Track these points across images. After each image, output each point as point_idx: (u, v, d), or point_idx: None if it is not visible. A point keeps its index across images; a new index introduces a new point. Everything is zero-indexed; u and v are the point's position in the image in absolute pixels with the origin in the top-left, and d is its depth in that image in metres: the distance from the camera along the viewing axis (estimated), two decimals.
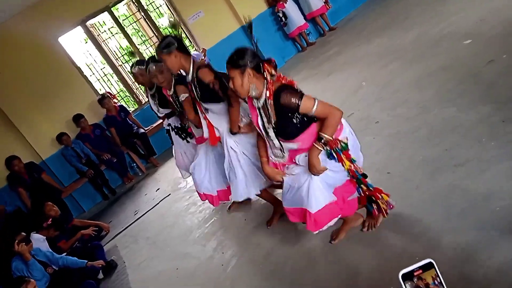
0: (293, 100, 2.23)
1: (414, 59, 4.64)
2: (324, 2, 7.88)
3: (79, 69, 7.03)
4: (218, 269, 3.15)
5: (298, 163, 2.44)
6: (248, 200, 3.52)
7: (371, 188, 2.43)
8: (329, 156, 2.32)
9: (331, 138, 2.25)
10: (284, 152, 2.45)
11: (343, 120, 2.39)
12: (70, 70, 6.88)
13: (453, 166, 2.66)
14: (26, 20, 6.44)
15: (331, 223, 2.44)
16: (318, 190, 2.35)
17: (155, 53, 3.06)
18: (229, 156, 3.04)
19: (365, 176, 2.41)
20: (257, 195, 3.19)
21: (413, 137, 3.24)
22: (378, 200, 2.43)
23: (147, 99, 7.57)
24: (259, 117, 2.42)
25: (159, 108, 3.82)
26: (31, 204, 6.09)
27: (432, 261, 1.04)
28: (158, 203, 5.18)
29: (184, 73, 2.97)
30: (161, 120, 4.08)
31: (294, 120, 2.29)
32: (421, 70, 4.27)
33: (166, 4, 7.66)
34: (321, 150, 2.28)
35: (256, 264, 2.97)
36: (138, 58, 3.78)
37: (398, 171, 2.95)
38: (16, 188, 6.19)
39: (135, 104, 7.85)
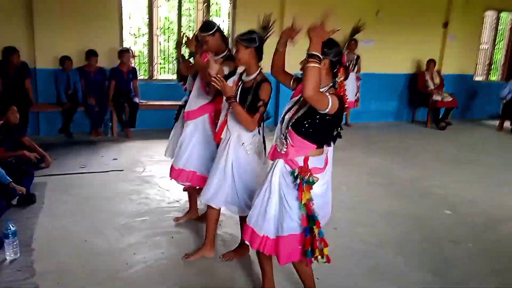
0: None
1: (399, 194, 4.82)
2: (355, 100, 8.17)
3: (120, 14, 7.05)
4: (121, 265, 3.07)
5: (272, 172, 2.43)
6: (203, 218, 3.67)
7: (320, 235, 2.34)
8: (295, 177, 2.30)
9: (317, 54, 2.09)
10: (283, 140, 2.39)
11: (329, 166, 2.39)
12: (112, 9, 6.89)
13: None
14: None
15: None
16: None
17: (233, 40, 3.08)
18: (224, 161, 3.00)
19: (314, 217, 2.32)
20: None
21: (356, 261, 3.29)
22: (316, 249, 2.34)
23: (159, 76, 7.63)
24: (296, 100, 2.42)
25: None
26: None
27: None
28: (107, 171, 5.09)
29: (241, 71, 3.01)
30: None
31: (310, 123, 2.26)
32: (399, 208, 4.43)
33: (228, 13, 7.83)
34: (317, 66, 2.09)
35: (160, 278, 2.93)
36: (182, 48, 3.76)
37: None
38: None
39: (145, 74, 7.84)
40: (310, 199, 2.29)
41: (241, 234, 3.01)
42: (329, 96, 2.16)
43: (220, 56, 3.30)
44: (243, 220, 3.11)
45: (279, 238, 2.42)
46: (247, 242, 2.58)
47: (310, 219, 2.32)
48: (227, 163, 2.96)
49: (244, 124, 2.83)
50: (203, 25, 3.45)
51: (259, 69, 2.91)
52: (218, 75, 2.79)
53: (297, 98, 2.45)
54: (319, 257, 2.35)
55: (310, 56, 2.07)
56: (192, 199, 3.92)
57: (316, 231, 2.31)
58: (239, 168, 2.96)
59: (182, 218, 3.91)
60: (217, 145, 3.16)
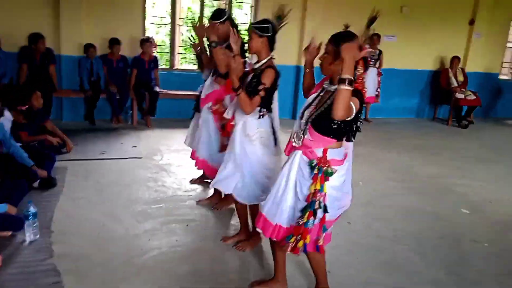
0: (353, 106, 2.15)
1: (417, 191, 4.77)
2: (376, 95, 8.08)
3: (144, 3, 7.10)
4: (136, 250, 3.13)
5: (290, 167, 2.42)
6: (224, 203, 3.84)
7: (324, 230, 2.34)
8: (312, 168, 2.29)
9: (350, 78, 2.05)
10: (301, 135, 2.39)
11: (349, 159, 2.38)
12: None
13: None
14: None
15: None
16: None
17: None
18: (233, 149, 3.01)
19: (325, 210, 2.31)
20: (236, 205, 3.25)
21: (369, 256, 3.29)
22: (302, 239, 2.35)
23: (180, 66, 7.68)
24: (315, 96, 2.41)
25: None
26: (23, 83, 6.09)
27: None
28: (126, 158, 5.16)
29: (254, 60, 3.02)
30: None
31: (330, 120, 2.18)
32: (417, 204, 4.39)
33: (250, 6, 7.81)
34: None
35: (174, 264, 2.97)
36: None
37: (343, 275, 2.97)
38: (22, 62, 6.20)
39: (167, 64, 7.90)
40: (320, 190, 2.28)
41: (252, 223, 3.05)
42: (353, 105, 2.13)
43: (226, 44, 3.36)
44: (252, 208, 3.15)
45: (292, 227, 2.43)
46: (259, 230, 2.59)
47: (306, 207, 2.32)
48: (235, 150, 2.98)
49: (241, 105, 2.80)
50: (214, 12, 3.56)
51: (269, 57, 2.91)
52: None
53: (316, 93, 2.43)
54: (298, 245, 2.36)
55: (342, 80, 2.03)
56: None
57: (308, 222, 2.30)
58: (245, 157, 2.96)
59: (203, 201, 3.99)
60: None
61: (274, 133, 2.99)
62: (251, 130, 2.91)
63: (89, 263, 2.93)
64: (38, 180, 4.02)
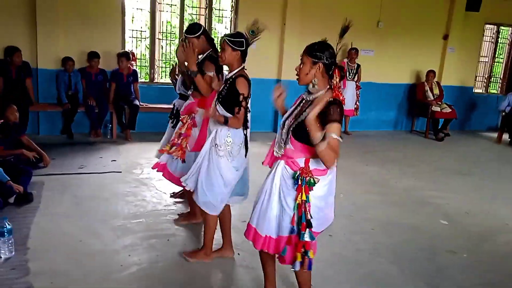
0: (334, 117, 2.21)
1: (396, 204, 4.84)
2: (355, 108, 8.22)
3: (123, 16, 7.08)
4: (115, 266, 3.08)
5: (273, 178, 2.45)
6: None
7: (311, 239, 2.33)
8: (295, 179, 2.32)
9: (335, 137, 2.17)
10: (282, 145, 2.43)
11: (332, 170, 2.39)
12: (115, 12, 6.94)
13: None
14: None
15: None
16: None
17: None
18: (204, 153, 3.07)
19: (309, 224, 2.31)
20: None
21: (350, 269, 3.30)
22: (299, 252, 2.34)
23: (160, 80, 7.66)
24: (295, 107, 2.46)
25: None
26: None
27: None
28: (105, 173, 5.09)
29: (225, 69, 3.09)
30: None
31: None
32: (395, 217, 4.44)
33: (230, 19, 7.88)
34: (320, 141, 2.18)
35: (154, 281, 2.93)
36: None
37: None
38: None
39: (146, 78, 7.87)
40: (306, 201, 2.30)
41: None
42: (338, 138, 2.19)
43: (203, 57, 3.46)
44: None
45: (280, 238, 2.44)
46: (250, 242, 2.58)
47: (299, 219, 2.32)
48: (202, 152, 3.06)
49: (234, 124, 2.87)
50: (189, 27, 3.59)
51: (241, 67, 2.95)
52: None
53: (296, 104, 2.49)
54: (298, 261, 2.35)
55: (317, 144, 2.16)
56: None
57: (304, 234, 2.30)
58: (210, 164, 2.99)
59: (183, 220, 3.94)
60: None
61: (246, 144, 3.01)
62: (220, 141, 2.93)
63: (66, 280, 2.87)
64: (14, 196, 3.93)
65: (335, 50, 2.36)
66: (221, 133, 2.93)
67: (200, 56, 3.50)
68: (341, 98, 2.31)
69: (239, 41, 2.90)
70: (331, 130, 2.18)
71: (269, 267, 2.72)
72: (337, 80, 2.34)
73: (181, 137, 3.52)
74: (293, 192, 2.35)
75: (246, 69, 2.98)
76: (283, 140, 2.42)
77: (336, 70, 2.35)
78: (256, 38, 2.98)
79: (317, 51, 2.31)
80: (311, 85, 2.38)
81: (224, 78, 3.11)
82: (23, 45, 6.31)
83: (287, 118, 2.46)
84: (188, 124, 3.53)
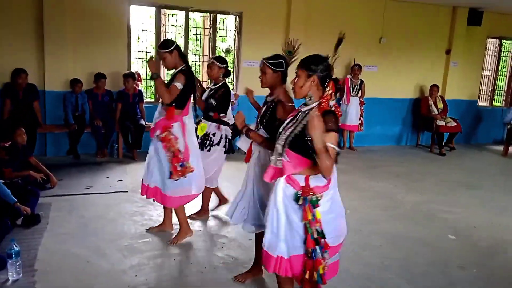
0: (329, 127, 2.22)
1: (403, 218, 4.82)
2: (359, 124, 8.24)
3: (129, 38, 7.20)
4: (122, 286, 3.07)
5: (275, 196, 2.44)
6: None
7: (325, 256, 2.34)
8: (297, 200, 2.31)
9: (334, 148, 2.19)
10: (278, 158, 2.44)
11: (333, 183, 2.39)
12: (121, 34, 7.04)
13: None
14: None
15: None
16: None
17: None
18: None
19: (323, 235, 2.31)
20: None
21: (360, 285, 3.27)
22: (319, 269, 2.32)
23: None
24: (291, 119, 2.48)
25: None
26: (6, 119, 6.05)
27: None
28: (111, 192, 5.12)
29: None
30: None
31: (308, 142, 2.27)
32: (403, 231, 4.42)
33: (234, 39, 7.97)
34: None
35: None
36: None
37: None
38: (5, 97, 6.18)
39: (152, 97, 7.95)
40: (312, 219, 2.30)
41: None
42: (332, 146, 2.20)
43: (175, 72, 3.64)
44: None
45: (292, 257, 2.41)
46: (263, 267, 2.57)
47: (316, 241, 2.31)
48: (249, 174, 3.16)
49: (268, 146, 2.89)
50: (162, 43, 3.73)
51: (282, 89, 2.99)
52: None
53: (292, 116, 2.51)
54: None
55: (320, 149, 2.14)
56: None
57: (315, 251, 2.30)
58: (258, 181, 3.03)
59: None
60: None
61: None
62: (265, 160, 2.95)
63: None
64: (22, 217, 3.95)
65: (330, 63, 2.40)
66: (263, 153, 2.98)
67: (173, 71, 3.69)
68: (330, 109, 2.34)
69: (279, 63, 2.97)
70: (327, 139, 2.19)
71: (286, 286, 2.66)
72: (330, 92, 2.39)
73: (179, 155, 3.61)
74: (298, 211, 2.34)
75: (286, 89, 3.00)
76: (279, 153, 2.43)
77: (331, 82, 2.39)
78: (295, 58, 3.03)
79: (311, 64, 2.35)
80: (307, 98, 2.41)
81: (264, 101, 3.12)
82: (31, 68, 6.41)
83: (283, 130, 2.48)
84: (172, 140, 3.62)
